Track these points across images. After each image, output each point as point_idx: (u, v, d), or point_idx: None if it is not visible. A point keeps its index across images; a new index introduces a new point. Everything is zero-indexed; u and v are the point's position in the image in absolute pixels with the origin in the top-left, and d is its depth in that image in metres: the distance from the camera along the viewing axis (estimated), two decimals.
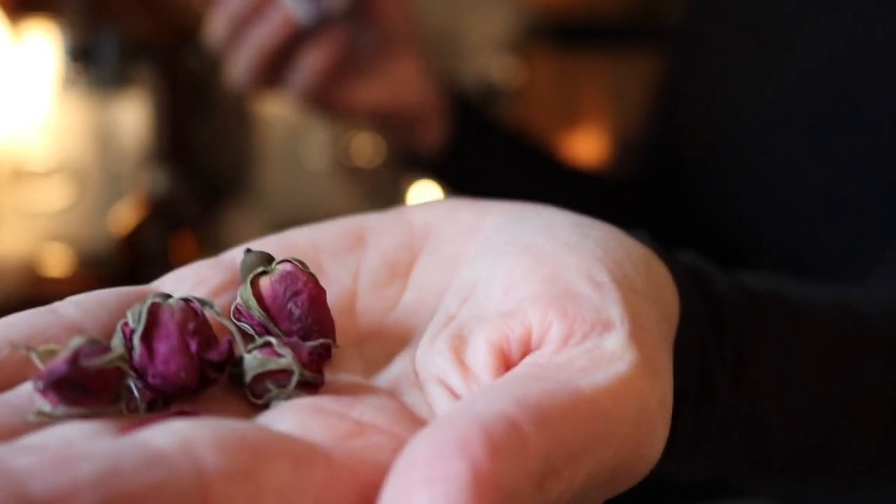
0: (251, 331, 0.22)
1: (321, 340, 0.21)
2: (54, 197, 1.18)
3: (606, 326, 0.20)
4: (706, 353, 0.26)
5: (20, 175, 1.16)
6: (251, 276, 0.22)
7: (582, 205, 0.27)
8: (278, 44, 0.53)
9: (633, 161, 0.69)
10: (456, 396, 0.20)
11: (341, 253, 0.25)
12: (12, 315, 0.20)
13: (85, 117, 1.19)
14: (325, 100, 0.55)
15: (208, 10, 0.56)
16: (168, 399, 0.20)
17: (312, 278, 0.22)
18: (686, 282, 0.26)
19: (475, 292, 0.23)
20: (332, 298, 0.23)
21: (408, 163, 0.63)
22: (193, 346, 0.20)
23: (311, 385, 0.20)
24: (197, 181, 1.27)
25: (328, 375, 0.21)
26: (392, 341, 0.23)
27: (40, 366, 0.18)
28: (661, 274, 0.24)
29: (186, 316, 0.20)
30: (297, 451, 0.16)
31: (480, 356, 0.20)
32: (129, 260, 1.00)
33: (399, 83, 0.56)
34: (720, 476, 0.31)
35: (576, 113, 1.46)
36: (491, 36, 1.40)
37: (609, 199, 0.62)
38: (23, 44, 1.13)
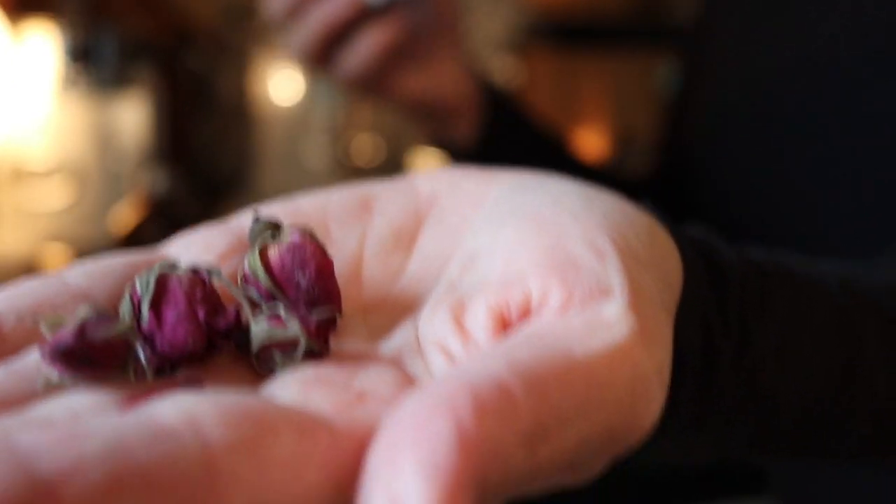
0: (258, 298, 0.22)
1: (327, 310, 0.21)
2: (54, 197, 1.18)
3: (605, 294, 0.20)
4: (709, 324, 0.26)
5: (20, 175, 1.16)
6: (259, 243, 0.22)
7: None
8: (343, 22, 0.52)
9: (633, 160, 0.69)
10: (454, 361, 0.20)
11: (348, 220, 0.25)
12: (19, 283, 0.20)
13: (85, 117, 1.19)
14: (375, 84, 0.55)
15: None
16: (175, 365, 0.20)
17: (320, 248, 0.22)
18: (691, 252, 0.26)
19: (477, 260, 0.23)
20: (338, 265, 0.23)
21: (438, 147, 0.63)
22: (201, 313, 0.20)
23: (316, 354, 0.20)
24: (197, 181, 1.27)
25: (333, 343, 0.21)
26: (396, 310, 0.23)
27: (48, 335, 0.19)
28: (664, 243, 0.24)
29: (194, 284, 0.20)
30: (301, 422, 0.16)
31: (480, 321, 0.21)
32: None
33: (443, 73, 0.56)
34: (722, 457, 0.31)
35: (576, 113, 1.46)
36: (491, 36, 1.40)
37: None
38: (23, 44, 1.13)
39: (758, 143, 0.56)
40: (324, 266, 0.22)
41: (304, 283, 0.22)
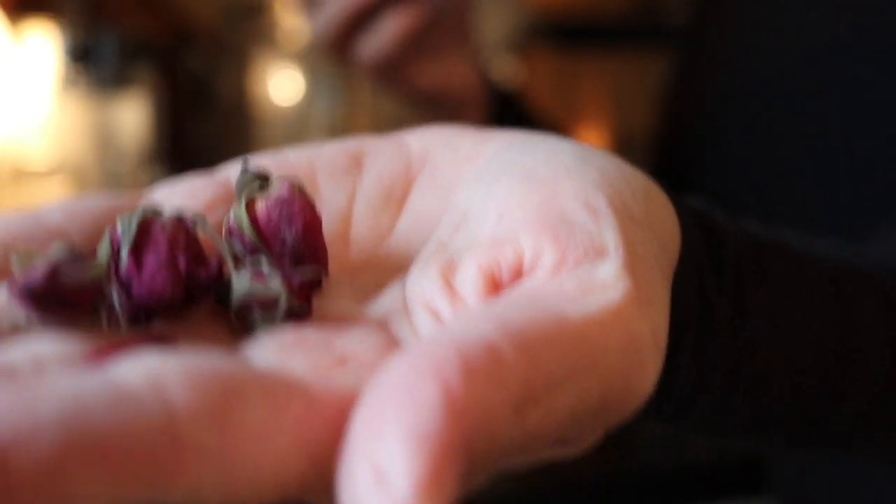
0: (242, 251, 0.21)
1: (312, 269, 0.21)
2: (54, 197, 1.18)
3: (600, 253, 0.20)
4: (705, 289, 0.26)
5: (20, 175, 1.16)
6: (246, 194, 0.21)
7: None
8: (368, 6, 0.51)
9: (634, 160, 0.69)
10: (442, 323, 0.20)
11: (337, 175, 0.24)
12: (0, 217, 0.20)
13: (85, 117, 1.18)
14: (393, 72, 0.54)
15: None
16: (150, 315, 0.19)
17: (309, 204, 0.21)
18: (688, 217, 0.25)
19: (468, 219, 0.22)
20: (325, 223, 0.22)
21: None
22: (182, 262, 0.19)
23: (297, 315, 0.20)
24: None
25: (316, 303, 0.20)
26: (385, 270, 0.22)
27: (18, 272, 0.18)
28: (662, 205, 0.23)
29: (177, 231, 0.19)
30: (273, 387, 0.16)
31: (469, 281, 0.20)
32: None
33: (454, 65, 0.56)
34: (713, 442, 0.31)
35: (576, 113, 1.45)
36: (491, 36, 1.40)
37: None
38: (23, 44, 1.13)
39: (753, 140, 0.56)
40: (312, 223, 0.21)
41: (290, 238, 0.21)
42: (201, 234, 0.21)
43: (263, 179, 0.22)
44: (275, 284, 0.19)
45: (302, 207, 0.21)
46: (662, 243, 0.22)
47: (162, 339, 0.18)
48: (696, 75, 0.63)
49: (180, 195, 0.23)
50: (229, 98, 1.31)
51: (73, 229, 0.20)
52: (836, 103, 0.50)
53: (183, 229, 0.20)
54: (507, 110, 0.59)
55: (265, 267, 0.20)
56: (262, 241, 0.21)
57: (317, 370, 0.17)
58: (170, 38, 1.24)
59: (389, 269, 0.22)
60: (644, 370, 0.19)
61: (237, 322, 0.20)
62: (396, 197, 0.24)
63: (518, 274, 0.20)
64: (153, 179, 0.98)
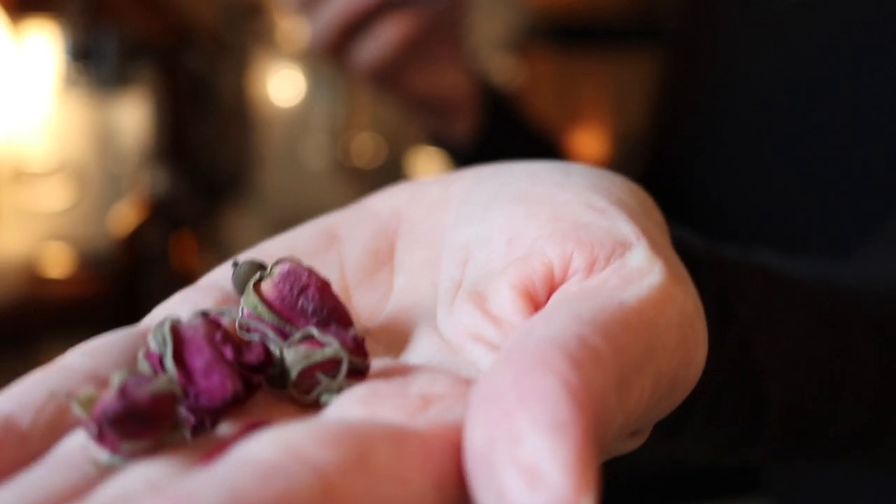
0: (268, 336, 0.21)
1: (353, 328, 0.20)
2: (54, 197, 1.18)
3: (625, 245, 0.20)
4: None
5: (20, 175, 1.16)
6: (251, 283, 0.21)
7: None
8: (365, 12, 0.51)
9: (635, 160, 0.69)
10: (496, 347, 0.20)
11: (319, 252, 0.24)
12: (22, 380, 0.19)
13: (85, 117, 1.19)
14: (389, 78, 0.54)
15: None
16: (215, 416, 0.18)
17: (313, 270, 0.21)
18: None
19: (473, 253, 0.22)
20: None
21: (435, 144, 0.63)
22: (228, 353, 0.19)
23: (358, 372, 0.19)
24: (197, 181, 1.27)
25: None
26: (402, 324, 0.22)
27: (82, 414, 0.17)
28: (647, 199, 0.24)
29: (209, 327, 0.19)
30: (389, 433, 0.16)
31: (507, 303, 0.20)
32: (129, 260, 1.00)
33: (447, 69, 0.56)
34: (709, 454, 0.31)
35: (576, 113, 1.46)
36: (491, 36, 1.40)
37: None
38: (23, 44, 1.13)
39: (741, 144, 0.56)
40: (324, 286, 0.21)
41: (309, 306, 0.21)
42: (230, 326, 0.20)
43: (260, 267, 0.22)
44: (331, 344, 0.19)
45: (308, 274, 0.21)
46: (662, 230, 0.23)
47: (259, 424, 0.18)
48: (685, 79, 0.63)
49: (182, 309, 0.22)
50: (229, 98, 1.31)
51: (102, 368, 0.20)
52: (824, 107, 0.51)
53: (213, 324, 0.19)
54: (499, 113, 0.59)
55: (315, 332, 0.20)
56: (283, 318, 0.21)
57: (408, 414, 0.17)
58: (170, 38, 1.24)
59: (405, 322, 0.22)
60: (698, 341, 0.20)
61: (299, 395, 0.19)
62: (383, 258, 0.24)
63: (551, 284, 0.20)
64: (153, 179, 0.98)
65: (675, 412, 0.26)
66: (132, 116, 1.21)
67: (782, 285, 0.28)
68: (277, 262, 0.22)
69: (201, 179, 1.29)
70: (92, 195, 1.20)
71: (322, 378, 0.19)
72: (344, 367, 0.19)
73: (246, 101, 1.33)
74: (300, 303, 0.21)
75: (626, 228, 0.21)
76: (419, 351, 0.21)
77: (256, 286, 0.21)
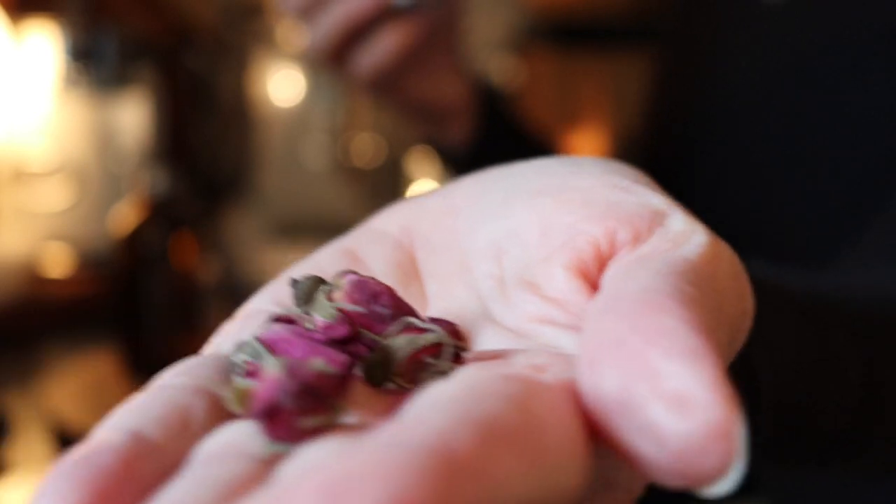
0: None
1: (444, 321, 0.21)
2: (54, 197, 1.18)
3: (662, 215, 0.21)
4: None
5: (20, 175, 1.16)
6: (321, 295, 0.21)
7: None
8: (365, 19, 0.51)
9: (633, 160, 0.69)
10: (568, 327, 0.20)
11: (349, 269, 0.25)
12: (130, 401, 0.19)
13: (85, 117, 1.19)
14: (387, 85, 0.54)
15: None
16: (333, 393, 0.18)
17: (374, 278, 0.22)
18: None
19: (506, 248, 0.22)
20: None
21: (430, 149, 0.63)
22: (318, 336, 0.19)
23: (459, 357, 0.20)
24: (197, 181, 1.27)
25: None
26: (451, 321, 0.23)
27: (237, 407, 0.17)
28: (650, 178, 0.24)
29: (288, 326, 0.19)
30: (543, 383, 0.16)
31: (564, 285, 0.20)
32: (129, 260, 1.00)
33: (443, 75, 0.56)
34: None
35: (576, 113, 1.46)
36: (491, 36, 1.40)
37: None
38: (23, 44, 1.13)
39: (733, 147, 0.56)
40: (391, 291, 0.21)
41: (386, 312, 0.21)
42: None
43: (320, 280, 0.22)
44: (436, 331, 0.19)
45: (376, 283, 0.21)
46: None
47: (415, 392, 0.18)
48: (678, 80, 0.63)
49: (240, 334, 0.22)
50: (229, 98, 1.31)
51: (206, 382, 0.19)
52: (815, 107, 0.51)
53: (288, 321, 0.19)
54: (495, 118, 0.59)
55: (415, 321, 0.20)
56: (363, 326, 0.21)
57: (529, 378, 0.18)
58: (170, 38, 1.24)
59: (460, 323, 0.22)
60: (748, 290, 0.21)
61: (404, 384, 0.20)
62: (409, 270, 0.25)
63: (601, 261, 0.21)
64: (153, 179, 0.98)
65: None
66: (132, 116, 1.21)
67: (767, 290, 0.29)
68: (341, 275, 0.22)
69: (201, 179, 1.29)
70: (92, 195, 1.20)
71: (428, 361, 0.19)
72: (449, 350, 0.19)
73: (246, 101, 1.34)
74: (376, 309, 0.21)
75: (656, 200, 0.21)
76: (489, 344, 0.21)
77: (328, 296, 0.21)
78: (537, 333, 0.21)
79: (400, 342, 0.19)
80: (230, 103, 1.32)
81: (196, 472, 0.16)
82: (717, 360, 0.15)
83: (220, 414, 0.19)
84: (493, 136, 0.59)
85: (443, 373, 0.19)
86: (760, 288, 0.29)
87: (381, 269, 0.24)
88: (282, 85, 1.35)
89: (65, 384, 0.93)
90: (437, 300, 0.24)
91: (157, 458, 0.17)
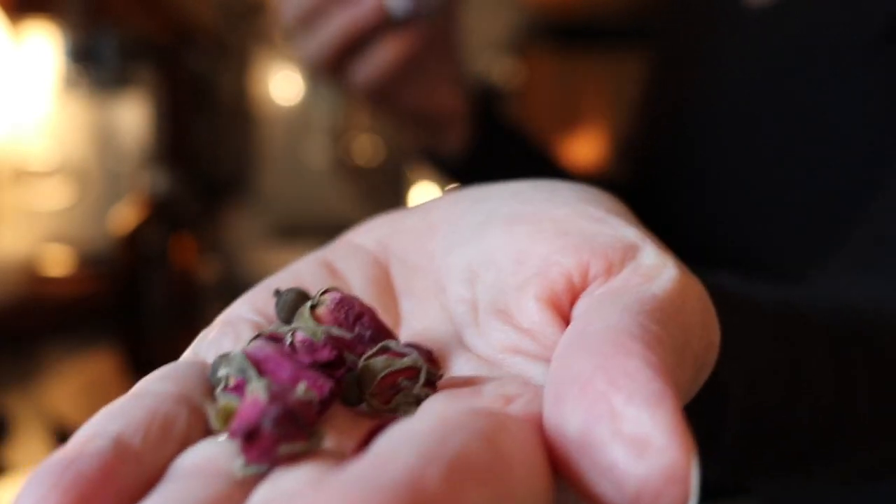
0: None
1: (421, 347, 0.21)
2: (54, 197, 1.18)
3: (634, 248, 0.21)
4: None
5: (20, 175, 1.16)
6: (306, 310, 0.21)
7: None
8: (362, 31, 0.51)
9: (628, 162, 0.70)
10: (537, 358, 0.21)
11: (326, 283, 0.25)
12: (112, 405, 0.19)
13: (85, 117, 1.19)
14: (382, 97, 0.54)
15: None
16: (317, 418, 0.18)
17: (360, 299, 0.22)
18: None
19: (480, 274, 0.23)
20: None
21: (426, 159, 0.63)
22: (305, 359, 0.19)
23: (432, 382, 0.20)
24: (197, 181, 1.27)
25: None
26: (429, 346, 0.23)
27: (219, 425, 0.17)
28: (626, 207, 0.25)
29: (274, 344, 0.19)
30: (508, 419, 0.16)
31: (535, 315, 0.21)
32: (129, 260, 1.00)
33: (439, 85, 0.56)
34: None
35: (576, 113, 1.46)
36: (491, 36, 1.40)
37: None
38: (23, 44, 1.13)
39: (715, 155, 0.57)
40: (373, 312, 0.21)
41: (367, 332, 0.21)
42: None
43: (305, 296, 0.22)
44: (411, 355, 0.20)
45: (360, 303, 0.22)
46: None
47: (389, 420, 0.18)
48: (663, 84, 0.64)
49: (227, 340, 0.22)
50: (229, 98, 1.31)
51: (191, 389, 0.20)
52: (794, 114, 0.51)
53: (275, 339, 0.20)
54: (491, 125, 0.59)
55: (392, 345, 0.20)
56: (344, 343, 0.21)
57: (499, 408, 0.18)
58: (170, 38, 1.24)
59: (432, 345, 0.23)
60: (715, 324, 0.21)
61: (378, 405, 0.20)
62: (385, 287, 0.25)
63: (573, 293, 0.21)
64: (153, 179, 0.98)
65: None
66: (132, 116, 1.21)
67: (741, 305, 0.29)
68: (325, 291, 0.22)
69: (201, 179, 1.29)
70: (92, 195, 1.20)
71: (404, 383, 0.19)
72: (423, 375, 0.19)
73: (246, 101, 1.34)
74: (357, 329, 0.21)
75: (630, 233, 0.22)
76: (458, 369, 0.22)
77: (313, 313, 0.21)
78: (508, 363, 0.21)
79: (377, 364, 0.20)
80: (230, 103, 1.32)
81: (171, 488, 0.16)
82: (676, 403, 0.16)
83: (200, 424, 0.19)
84: (490, 143, 0.59)
85: (417, 397, 0.19)
86: (733, 301, 0.29)
87: (359, 284, 0.25)
88: (282, 85, 1.35)
89: (65, 384, 0.93)
90: (410, 319, 0.24)
91: (137, 467, 0.17)
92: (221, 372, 0.19)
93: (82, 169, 1.19)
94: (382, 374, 0.19)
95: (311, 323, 0.21)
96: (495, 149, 0.60)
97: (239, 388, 0.19)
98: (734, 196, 0.55)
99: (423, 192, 1.29)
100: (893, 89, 0.47)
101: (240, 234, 1.33)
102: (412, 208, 0.26)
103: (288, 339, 0.20)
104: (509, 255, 0.22)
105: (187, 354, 0.22)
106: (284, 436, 0.16)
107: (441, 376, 0.20)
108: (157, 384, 0.20)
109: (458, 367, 0.22)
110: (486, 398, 0.18)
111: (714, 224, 0.56)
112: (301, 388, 0.17)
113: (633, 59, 1.39)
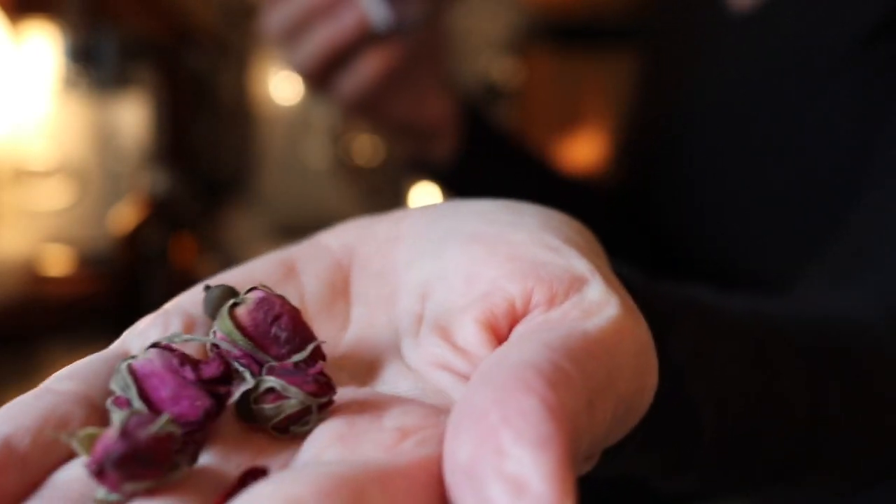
0: (236, 364, 0.21)
1: (310, 351, 0.21)
2: (54, 197, 1.18)
3: (581, 281, 0.21)
4: None
5: (20, 175, 1.16)
6: (226, 308, 0.22)
7: (578, 216, 0.27)
8: (345, 45, 0.51)
9: (621, 163, 0.70)
10: (463, 377, 0.21)
11: (279, 283, 0.25)
12: (12, 403, 0.19)
13: (85, 117, 1.19)
14: (368, 108, 0.55)
15: None
16: (198, 439, 0.19)
17: (285, 299, 0.22)
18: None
19: (432, 289, 0.23)
20: None
21: (415, 169, 0.63)
22: (189, 374, 0.19)
23: (328, 404, 0.20)
24: (197, 181, 1.27)
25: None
26: (364, 353, 0.23)
27: (81, 452, 0.17)
28: (592, 237, 0.25)
29: (165, 356, 0.20)
30: (377, 475, 0.16)
31: (472, 336, 0.21)
32: (129, 260, 1.00)
33: (427, 95, 0.56)
34: (639, 477, 0.31)
35: (576, 113, 1.46)
36: (491, 36, 1.40)
37: (602, 209, 0.63)
38: (23, 44, 1.13)
39: (696, 151, 0.57)
40: (294, 314, 0.22)
41: (283, 334, 0.21)
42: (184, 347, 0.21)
43: (232, 292, 0.22)
44: (295, 396, 0.20)
45: (282, 304, 0.22)
46: (608, 266, 0.24)
47: (256, 473, 0.18)
48: (650, 86, 0.64)
49: (153, 332, 0.23)
50: (229, 98, 1.31)
51: (92, 391, 0.20)
52: (771, 124, 0.52)
53: (167, 351, 0.20)
54: (480, 133, 0.59)
55: (277, 385, 0.20)
56: (257, 345, 0.21)
57: (386, 448, 0.18)
58: (170, 38, 1.24)
59: (368, 352, 0.23)
60: (651, 368, 0.21)
61: (277, 433, 0.20)
62: (339, 291, 0.25)
63: (513, 318, 0.21)
64: (153, 179, 0.98)
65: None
66: (132, 116, 1.21)
67: (715, 319, 0.30)
68: (250, 290, 0.22)
69: (201, 179, 1.29)
70: (92, 195, 1.20)
71: (294, 427, 0.20)
72: (314, 415, 0.20)
73: (246, 101, 1.34)
74: (273, 330, 0.21)
75: (580, 265, 0.22)
76: (386, 379, 0.22)
77: (231, 311, 0.22)
78: (435, 378, 0.21)
79: (266, 412, 0.20)
80: (230, 103, 1.32)
81: None
82: (563, 448, 0.16)
83: (99, 425, 0.19)
84: (479, 151, 0.59)
85: (310, 428, 0.20)
86: (708, 316, 0.29)
87: (312, 286, 0.25)
88: (282, 85, 1.35)
89: None
90: (357, 325, 0.24)
91: (20, 472, 0.18)
92: (111, 384, 0.20)
93: (82, 169, 1.19)
94: (273, 422, 0.20)
95: (227, 322, 0.21)
96: (484, 156, 0.60)
97: (122, 404, 0.19)
98: (720, 197, 0.55)
99: (422, 192, 1.29)
100: (876, 93, 0.48)
101: (240, 234, 1.33)
102: (385, 215, 0.27)
103: (178, 343, 0.21)
104: (461, 274, 0.23)
105: (115, 345, 0.23)
106: (127, 476, 0.17)
107: (330, 403, 0.20)
108: (62, 383, 0.20)
109: (385, 378, 0.22)
110: (383, 432, 0.19)
111: (702, 224, 0.56)
112: (161, 420, 0.18)
113: (633, 59, 1.39)
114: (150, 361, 0.19)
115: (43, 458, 0.18)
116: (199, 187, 1.27)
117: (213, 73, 1.31)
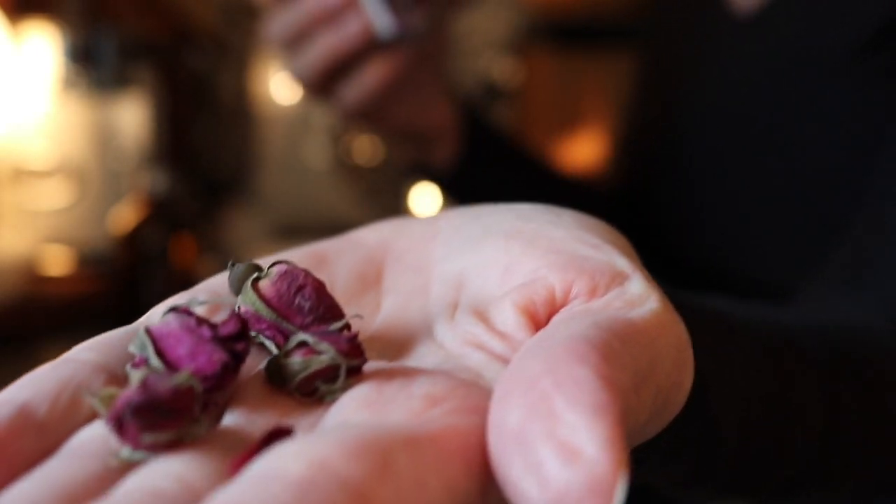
0: (263, 337, 0.21)
1: (352, 329, 0.21)
2: (54, 197, 1.18)
3: (623, 276, 0.21)
4: None
5: (20, 175, 1.16)
6: (249, 282, 0.22)
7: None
8: (349, 53, 0.51)
9: (620, 164, 0.70)
10: (499, 358, 0.21)
11: (311, 271, 0.25)
12: (31, 372, 0.19)
13: (85, 117, 1.19)
14: (370, 115, 0.55)
15: (269, 3, 0.54)
16: (218, 396, 0.19)
17: (309, 272, 0.22)
18: None
19: (468, 279, 0.23)
20: None
21: (415, 172, 0.63)
22: (206, 332, 0.19)
23: (356, 370, 0.20)
24: (197, 181, 1.27)
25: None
26: (394, 334, 0.23)
27: (102, 410, 0.18)
28: (628, 243, 0.25)
29: (182, 318, 0.20)
30: (406, 438, 0.16)
31: (511, 320, 0.21)
32: (129, 260, 1.00)
33: (428, 101, 0.56)
34: (664, 491, 0.32)
35: (576, 113, 1.46)
36: (491, 36, 1.40)
37: (602, 209, 0.63)
38: (23, 44, 1.13)
39: (701, 160, 0.57)
40: (319, 285, 0.22)
41: (306, 304, 0.21)
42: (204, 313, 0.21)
43: (256, 268, 0.22)
44: (327, 352, 0.20)
45: (305, 275, 0.22)
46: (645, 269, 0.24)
47: (281, 433, 0.18)
48: (649, 87, 0.64)
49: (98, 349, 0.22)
50: (229, 98, 1.31)
51: (111, 361, 0.20)
52: (772, 128, 0.52)
53: (184, 313, 0.20)
54: (481, 138, 0.60)
55: (310, 340, 0.20)
56: (281, 315, 0.21)
57: (415, 415, 0.18)
58: (170, 38, 1.24)
59: (399, 333, 0.23)
60: (689, 366, 0.21)
61: (301, 396, 0.20)
62: (370, 282, 0.25)
63: (552, 307, 0.21)
64: (153, 179, 0.98)
65: (638, 448, 0.26)
66: (132, 116, 1.21)
67: (734, 331, 0.30)
68: (274, 264, 0.22)
69: (201, 179, 1.29)
70: (92, 195, 1.20)
71: (321, 385, 0.20)
72: (343, 374, 0.20)
73: (246, 101, 1.34)
74: (297, 301, 0.21)
75: (621, 262, 0.22)
76: (416, 357, 0.22)
77: (255, 284, 0.22)
78: (467, 355, 0.21)
79: (293, 365, 0.20)
80: (230, 103, 1.32)
81: (52, 466, 0.17)
82: (617, 417, 0.16)
83: None
84: (480, 155, 0.59)
85: (340, 390, 0.20)
86: (726, 325, 0.29)
87: (343, 276, 0.25)
88: (282, 85, 1.35)
89: None
90: (388, 312, 0.24)
91: (38, 437, 0.18)
92: (130, 347, 0.20)
93: (82, 169, 1.19)
94: (300, 377, 0.20)
95: (251, 294, 0.21)
96: (485, 159, 0.60)
97: (140, 365, 0.19)
98: (720, 197, 0.56)
99: (423, 193, 1.29)
100: (876, 96, 0.48)
101: (240, 234, 1.33)
102: (422, 217, 0.27)
103: (198, 309, 0.21)
104: (499, 266, 0.23)
105: (141, 320, 0.23)
106: (147, 426, 0.17)
107: (361, 366, 0.20)
108: (83, 353, 0.20)
109: (419, 355, 0.22)
110: (412, 399, 0.18)
111: (702, 224, 0.56)
112: (181, 375, 0.18)
113: (633, 59, 1.39)
114: (167, 324, 0.20)
115: (61, 425, 0.18)
116: (199, 187, 1.27)
117: (213, 74, 1.31)
